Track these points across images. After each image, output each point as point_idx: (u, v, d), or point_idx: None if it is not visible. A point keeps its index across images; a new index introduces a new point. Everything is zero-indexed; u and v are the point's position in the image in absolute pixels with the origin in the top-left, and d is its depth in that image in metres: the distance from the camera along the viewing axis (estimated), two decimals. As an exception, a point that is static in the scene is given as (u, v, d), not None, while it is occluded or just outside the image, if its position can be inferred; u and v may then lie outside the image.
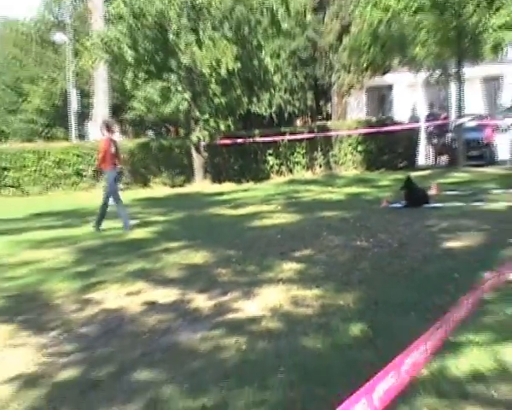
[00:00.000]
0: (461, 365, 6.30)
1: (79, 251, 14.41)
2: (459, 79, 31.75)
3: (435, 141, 33.04)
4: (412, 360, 2.31)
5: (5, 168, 31.82)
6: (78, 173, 31.94)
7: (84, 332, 8.58)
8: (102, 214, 17.85)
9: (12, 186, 31.73)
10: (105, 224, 18.40)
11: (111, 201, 18.02)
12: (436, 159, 32.97)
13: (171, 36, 28.31)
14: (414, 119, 34.86)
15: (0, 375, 7.15)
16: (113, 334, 8.38)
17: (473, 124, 33.39)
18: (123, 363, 7.25)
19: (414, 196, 17.78)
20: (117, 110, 44.07)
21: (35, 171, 31.81)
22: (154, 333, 8.31)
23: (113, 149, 18.39)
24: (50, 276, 12.02)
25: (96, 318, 9.23)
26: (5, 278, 12.23)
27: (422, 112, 35.94)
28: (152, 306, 9.57)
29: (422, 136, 33.54)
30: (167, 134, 36.41)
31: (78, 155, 32.31)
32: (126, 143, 35.21)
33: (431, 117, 33.61)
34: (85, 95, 50.80)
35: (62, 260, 13.45)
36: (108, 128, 18.93)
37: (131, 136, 42.24)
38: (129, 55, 29.15)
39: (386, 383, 2.28)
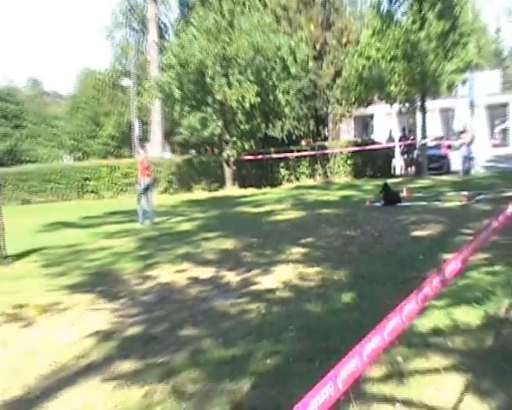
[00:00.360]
0: (425, 323, 6.30)
1: (141, 240, 14.48)
2: (423, 110, 31.70)
3: (405, 156, 32.96)
4: (393, 325, 2.32)
5: (87, 179, 31.96)
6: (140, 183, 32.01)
7: (145, 300, 8.62)
8: (144, 211, 18.18)
9: (91, 192, 31.86)
10: (158, 220, 18.46)
11: (143, 199, 18.45)
12: (406, 169, 32.87)
13: (208, 79, 28.33)
14: (391, 139, 34.83)
15: (84, 331, 7.22)
16: (166, 301, 8.41)
17: (433, 143, 33.40)
18: (173, 322, 7.29)
19: (390, 197, 17.76)
20: (168, 135, 44.17)
21: (108, 180, 31.93)
22: (196, 300, 8.34)
23: (146, 164, 18.88)
24: (120, 258, 12.09)
25: (153, 289, 9.26)
26: (87, 259, 12.31)
27: (397, 134, 35.92)
28: (194, 280, 9.59)
29: (397, 152, 33.46)
30: (205, 152, 36.36)
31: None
32: (175, 159, 35.32)
33: (403, 138, 33.58)
34: (145, 123, 50.94)
35: (128, 247, 13.53)
36: (143, 149, 19.98)
37: (179, 154, 42.19)
38: (177, 93, 29.24)
39: (374, 343, 2.28)
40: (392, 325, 2.39)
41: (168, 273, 10.27)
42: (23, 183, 31.03)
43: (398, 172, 32.94)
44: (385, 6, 32.21)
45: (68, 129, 78.37)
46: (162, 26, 48.25)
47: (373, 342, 2.26)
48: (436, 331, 6.07)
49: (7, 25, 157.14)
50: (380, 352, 2.21)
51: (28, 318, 7.99)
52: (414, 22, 29.94)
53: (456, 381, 4.99)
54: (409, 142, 32.44)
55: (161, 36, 43.38)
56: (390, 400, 4.71)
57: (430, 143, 32.76)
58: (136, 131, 49.72)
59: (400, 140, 33.69)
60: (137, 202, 18.58)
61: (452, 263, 3.20)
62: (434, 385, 4.95)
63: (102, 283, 9.92)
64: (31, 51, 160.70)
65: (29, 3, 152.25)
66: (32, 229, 18.13)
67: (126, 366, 5.96)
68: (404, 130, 34.86)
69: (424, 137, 31.05)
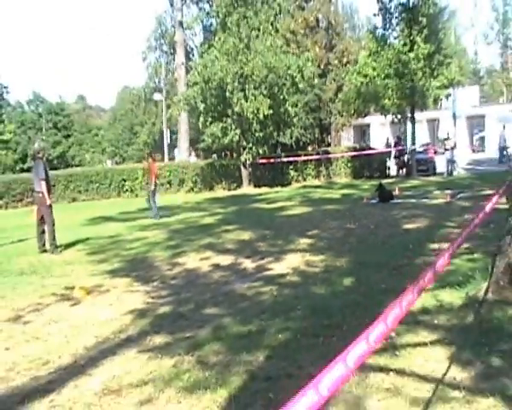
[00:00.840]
0: (416, 304, 6.26)
1: (170, 232, 14.46)
2: (412, 121, 31.60)
3: (398, 160, 32.77)
4: (395, 315, 2.31)
5: (124, 180, 31.95)
6: (169, 183, 31.97)
7: (174, 283, 8.65)
8: (155, 207, 18.36)
9: (128, 191, 31.89)
10: (184, 215, 18.44)
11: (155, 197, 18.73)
12: (398, 171, 32.68)
13: (227, 94, 28.26)
14: (388, 146, 34.68)
15: (122, 309, 7.25)
16: (192, 284, 8.43)
17: (421, 149, 33.26)
18: (198, 302, 7.30)
19: (384, 195, 17.67)
20: (193, 142, 44.14)
21: (142, 181, 31.92)
22: (218, 284, 8.35)
23: (157, 170, 19.82)
24: (152, 247, 12.11)
25: (181, 274, 9.28)
26: (125, 248, 12.34)
27: (392, 142, 35.74)
28: (216, 266, 9.60)
29: (392, 156, 33.31)
30: (225, 157, 36.34)
31: (169, 171, 32.36)
32: (199, 162, 35.24)
33: (397, 144, 33.40)
34: (173, 132, 51.04)
35: (159, 238, 13.53)
36: (152, 157, 19.85)
37: (202, 158, 42.18)
38: (201, 106, 29.19)
39: (379, 329, 2.27)
40: (394, 314, 2.38)
41: (193, 260, 10.29)
42: (71, 183, 31.09)
43: (393, 173, 32.75)
44: (380, 31, 32.24)
45: (109, 137, 78.91)
46: (188, 48, 48.20)
47: (378, 329, 2.25)
48: (424, 310, 6.05)
49: (58, 51, 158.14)
50: (383, 338, 2.21)
51: (75, 298, 8.03)
52: (405, 45, 29.92)
53: (441, 353, 4.99)
54: (400, 148, 32.28)
55: (188, 57, 43.36)
56: (385, 369, 4.71)
57: (418, 149, 32.68)
58: (166, 138, 49.82)
59: (395, 146, 33.53)
60: (152, 200, 18.66)
61: (442, 259, 3.20)
62: (423, 357, 4.95)
63: (138, 268, 9.95)
64: (78, 71, 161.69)
65: (75, 31, 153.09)
66: (79, 223, 18.20)
67: (158, 339, 5.98)
68: (398, 138, 34.64)
69: (413, 143, 30.96)
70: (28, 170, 62.51)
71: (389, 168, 32.74)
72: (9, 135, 48.96)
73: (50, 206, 12.91)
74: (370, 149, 33.65)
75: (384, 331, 2.25)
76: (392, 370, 4.68)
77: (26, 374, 5.35)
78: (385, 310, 2.38)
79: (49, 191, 12.93)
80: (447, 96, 33.67)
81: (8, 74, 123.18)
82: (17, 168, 64.73)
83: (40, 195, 12.88)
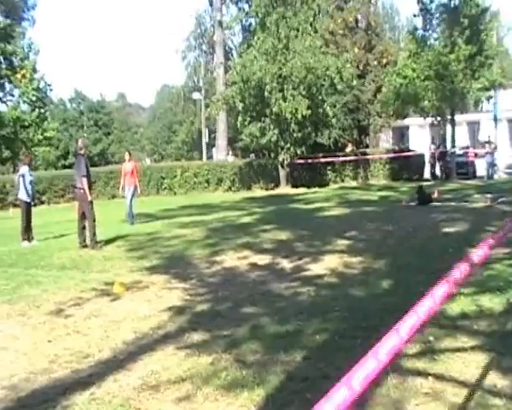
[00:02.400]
0: (454, 308, 6.20)
1: (208, 230, 14.50)
2: (452, 123, 31.27)
3: (441, 162, 32.27)
4: (426, 307, 2.27)
5: (163, 177, 32.25)
6: (207, 181, 32.16)
7: (212, 281, 8.68)
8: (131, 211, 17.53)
9: (167, 189, 32.16)
10: (222, 214, 18.46)
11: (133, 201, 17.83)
12: (440, 174, 32.24)
13: (266, 93, 28.30)
14: (436, 148, 33.79)
15: (160, 306, 7.30)
16: (229, 283, 8.45)
17: (461, 152, 32.73)
18: (236, 301, 7.31)
19: (423, 197, 17.46)
20: (231, 141, 44.27)
21: (181, 179, 32.16)
22: (255, 283, 8.35)
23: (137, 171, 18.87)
24: (190, 245, 12.17)
25: (219, 272, 9.31)
26: (164, 245, 12.44)
27: (431, 145, 35.12)
28: (254, 266, 9.61)
29: (431, 158, 32.82)
30: (263, 156, 36.35)
31: (207, 170, 32.55)
32: (237, 162, 35.39)
33: (440, 147, 32.89)
34: (212, 131, 51.20)
35: (198, 236, 13.58)
36: (130, 155, 18.90)
37: (240, 157, 42.26)
38: (239, 106, 29.32)
39: (411, 322, 2.24)
40: (426, 306, 2.34)
41: (231, 259, 10.31)
42: (111, 180, 31.48)
43: (438, 175, 32.32)
44: (420, 32, 31.97)
45: (148, 135, 79.60)
46: (227, 48, 48.46)
47: (409, 321, 2.22)
48: (463, 315, 5.97)
49: (100, 49, 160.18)
50: (416, 330, 2.18)
51: (115, 293, 8.12)
52: (445, 46, 29.66)
53: (481, 359, 4.90)
54: (443, 150, 31.82)
55: (227, 57, 43.54)
56: (423, 373, 4.65)
57: (459, 152, 32.18)
58: (205, 137, 50.05)
59: (438, 148, 33.05)
60: (130, 204, 17.56)
61: (480, 250, 3.11)
62: (462, 362, 4.87)
63: (176, 266, 10.01)
64: (119, 70, 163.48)
65: (116, 31, 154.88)
66: (119, 219, 18.41)
67: (196, 336, 6.00)
68: (443, 140, 34.11)
69: (453, 146, 30.57)
70: (70, 166, 63.44)
71: (434, 172, 32.23)
72: (52, 132, 49.59)
73: (91, 202, 13.09)
74: (409, 151, 33.31)
75: (416, 324, 2.22)
76: (430, 374, 4.62)
77: (68, 367, 5.43)
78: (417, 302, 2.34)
79: (89, 188, 13.12)
80: (488, 99, 33.22)
81: (52, 73, 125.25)
82: (59, 165, 65.81)
83: (81, 191, 13.07)
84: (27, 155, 16.15)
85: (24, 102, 48.58)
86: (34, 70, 48.71)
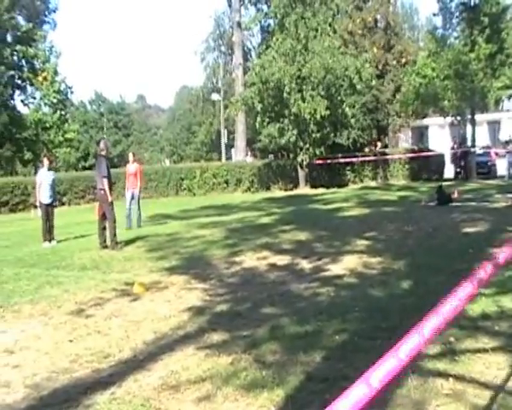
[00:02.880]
0: (475, 309, 6.15)
1: (227, 230, 14.50)
2: (472, 122, 31.00)
3: (462, 162, 31.98)
4: (449, 307, 2.25)
5: (182, 178, 32.34)
6: (226, 182, 32.20)
7: (231, 281, 8.69)
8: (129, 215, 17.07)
9: (186, 189, 32.25)
10: (241, 214, 18.48)
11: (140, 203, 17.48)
12: (459, 173, 31.95)
13: (285, 94, 28.27)
14: (460, 147, 33.44)
15: (180, 306, 7.33)
16: (249, 283, 8.45)
17: (481, 151, 32.43)
18: (255, 302, 7.31)
19: (443, 197, 17.33)
20: (250, 142, 44.32)
21: (200, 180, 32.22)
22: (275, 283, 8.35)
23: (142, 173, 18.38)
24: (210, 246, 12.19)
25: (238, 273, 9.32)
26: (183, 246, 12.47)
27: (450, 144, 34.84)
28: (273, 266, 9.60)
29: (451, 158, 32.55)
30: (282, 157, 36.33)
31: (226, 170, 32.61)
32: (256, 162, 35.38)
33: (461, 146, 32.56)
34: (230, 132, 51.31)
35: (217, 236, 13.60)
36: (134, 157, 18.24)
37: (259, 158, 42.29)
38: (258, 107, 29.30)
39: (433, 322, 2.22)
40: (450, 305, 2.31)
41: (250, 260, 10.32)
42: (130, 181, 31.72)
43: (449, 176, 32.07)
44: (440, 31, 31.77)
45: (167, 136, 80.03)
46: (246, 49, 48.52)
47: (432, 321, 2.20)
48: (484, 316, 5.92)
49: (119, 51, 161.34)
50: (439, 331, 2.16)
51: (135, 293, 8.16)
52: (465, 45, 29.43)
53: (503, 360, 4.85)
54: (465, 149, 31.53)
55: (245, 58, 43.61)
56: (444, 374, 4.61)
57: (479, 151, 31.89)
58: (224, 138, 50.13)
59: (459, 147, 32.74)
60: (138, 206, 17.22)
61: (505, 250, 3.08)
62: (483, 363, 4.83)
63: (195, 266, 10.03)
64: (138, 71, 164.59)
65: (136, 33, 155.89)
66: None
67: (216, 337, 6.01)
68: (464, 139, 33.82)
69: (473, 146, 30.30)
70: (90, 168, 64.07)
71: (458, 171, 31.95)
72: (73, 134, 50.03)
73: (111, 203, 13.18)
74: (428, 151, 33.10)
75: (439, 323, 2.20)
76: (451, 375, 4.58)
77: (88, 366, 5.47)
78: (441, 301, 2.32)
79: (110, 189, 13.19)
80: (509, 97, 32.85)
81: (72, 75, 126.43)
82: (79, 166, 66.35)
83: (102, 192, 13.16)
84: (48, 157, 16.27)
85: (45, 104, 49.09)
86: (55, 73, 49.19)
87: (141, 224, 16.90)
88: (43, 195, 14.73)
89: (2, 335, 6.72)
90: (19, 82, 48.37)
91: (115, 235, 12.94)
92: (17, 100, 48.34)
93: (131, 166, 17.75)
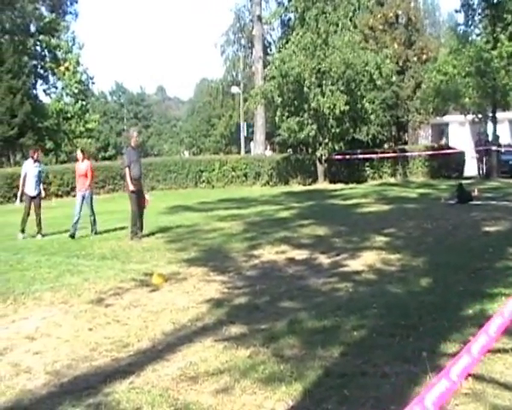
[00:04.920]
0: (494, 309, 6.09)
1: (246, 224, 14.50)
2: (494, 120, 30.69)
3: (485, 160, 31.62)
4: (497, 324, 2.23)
5: (201, 171, 32.30)
6: (245, 175, 32.15)
7: (249, 275, 8.70)
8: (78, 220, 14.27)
9: (205, 182, 32.25)
10: (260, 208, 18.45)
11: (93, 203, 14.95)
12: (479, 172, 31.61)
13: (305, 89, 28.16)
14: (480, 144, 33.02)
15: (198, 298, 7.36)
16: (267, 277, 8.45)
17: (503, 150, 32.02)
18: (273, 295, 7.30)
19: (463, 196, 17.15)
20: (269, 135, 44.20)
21: (219, 172, 32.20)
22: (293, 278, 8.34)
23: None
24: (229, 238, 12.20)
25: (257, 266, 9.32)
26: (202, 238, 12.49)
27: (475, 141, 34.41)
28: (291, 260, 9.59)
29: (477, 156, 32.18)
30: (301, 151, 36.21)
31: (245, 164, 32.58)
32: (275, 156, 35.30)
33: (486, 144, 32.16)
34: (250, 125, 51.27)
35: (236, 229, 13.60)
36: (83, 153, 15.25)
37: (278, 152, 42.17)
38: (278, 100, 29.23)
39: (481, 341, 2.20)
40: (496, 323, 2.29)
41: (269, 253, 10.31)
42: (150, 172, 31.69)
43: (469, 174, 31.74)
44: (461, 28, 31.47)
45: (187, 128, 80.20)
46: (266, 43, 48.32)
47: (480, 340, 2.18)
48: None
49: (140, 42, 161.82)
50: (487, 349, 2.13)
51: (154, 284, 8.19)
52: (487, 42, 29.10)
53: (523, 361, 4.80)
54: (488, 147, 31.17)
55: (265, 51, 43.43)
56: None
57: (501, 150, 31.52)
58: (243, 131, 50.10)
59: (485, 145, 32.37)
60: (91, 207, 14.63)
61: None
62: (503, 363, 4.79)
63: (214, 258, 10.04)
64: (158, 63, 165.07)
65: (156, 25, 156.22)
66: (158, 211, 18.54)
67: (234, 329, 6.02)
68: (487, 136, 33.43)
69: (494, 144, 29.99)
70: (110, 158, 64.44)
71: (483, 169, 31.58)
72: (94, 124, 50.39)
73: (132, 192, 13.20)
74: (449, 148, 32.82)
75: (487, 342, 2.17)
76: (470, 375, 4.53)
77: (108, 355, 5.51)
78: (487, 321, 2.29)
79: (131, 179, 13.21)
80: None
81: (93, 65, 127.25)
82: (99, 156, 66.74)
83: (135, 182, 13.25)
84: (35, 150, 16.02)
85: (67, 94, 49.53)
86: (77, 63, 49.57)
87: (96, 230, 14.47)
88: (29, 187, 14.67)
89: (23, 321, 6.80)
90: (41, 72, 48.89)
91: (134, 225, 12.99)
92: (39, 89, 48.93)
93: (82, 165, 14.89)
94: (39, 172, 15.07)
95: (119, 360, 5.35)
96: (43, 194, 15.16)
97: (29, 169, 14.82)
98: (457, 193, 17.36)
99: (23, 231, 14.39)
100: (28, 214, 14.59)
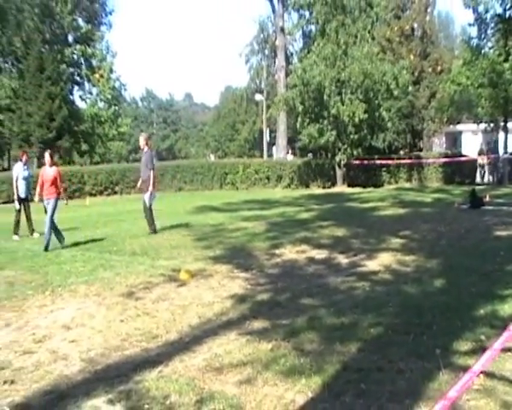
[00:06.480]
0: (505, 309, 6.05)
1: (268, 224, 14.48)
2: (505, 130, 30.41)
3: (494, 167, 31.29)
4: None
5: (226, 173, 32.36)
6: (267, 178, 32.12)
7: (271, 272, 8.68)
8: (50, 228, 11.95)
9: (229, 183, 32.29)
10: (282, 209, 18.41)
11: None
12: (491, 178, 31.28)
13: (325, 97, 28.11)
14: (482, 153, 32.69)
15: (223, 293, 7.37)
16: (288, 275, 8.43)
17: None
18: (294, 292, 7.29)
19: (475, 201, 16.96)
20: (291, 141, 44.17)
21: (243, 175, 32.23)
22: (313, 276, 8.31)
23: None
24: (252, 238, 12.19)
25: (278, 264, 9.30)
26: (227, 237, 12.50)
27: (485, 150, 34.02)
28: (311, 260, 9.56)
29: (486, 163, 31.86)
30: (320, 156, 36.11)
31: (267, 167, 32.56)
32: (296, 161, 35.20)
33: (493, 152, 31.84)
34: (272, 131, 51.26)
35: (259, 229, 13.59)
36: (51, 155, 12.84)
37: (299, 156, 42.08)
38: (299, 107, 29.22)
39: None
40: None
41: (290, 252, 10.28)
42: (178, 174, 31.90)
43: (481, 180, 31.39)
44: (475, 41, 31.24)
45: (212, 133, 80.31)
46: (288, 53, 48.20)
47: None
48: (515, 316, 5.79)
49: (169, 51, 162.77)
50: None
51: (181, 279, 8.23)
52: (500, 55, 28.87)
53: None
54: (496, 155, 30.84)
55: (287, 61, 43.34)
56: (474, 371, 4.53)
57: None
58: (266, 136, 50.11)
59: (487, 153, 32.03)
60: (50, 219, 12.06)
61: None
62: (514, 361, 4.74)
63: (238, 256, 10.05)
64: (186, 71, 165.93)
65: (185, 35, 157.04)
66: (185, 210, 18.64)
67: (256, 324, 6.02)
68: (495, 143, 33.07)
69: (506, 152, 29.70)
70: (140, 160, 64.89)
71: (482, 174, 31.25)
72: (125, 128, 50.87)
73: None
74: (462, 156, 32.52)
75: None
76: (481, 372, 4.49)
77: (138, 345, 5.55)
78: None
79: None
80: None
81: (125, 73, 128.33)
82: (130, 158, 67.27)
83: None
84: (24, 152, 15.55)
85: (101, 100, 50.04)
86: (111, 71, 50.05)
87: (48, 245, 11.84)
88: (20, 189, 14.39)
89: (60, 312, 6.88)
90: (78, 79, 49.57)
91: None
92: (76, 95, 49.56)
93: (49, 171, 12.49)
94: (29, 174, 14.67)
95: (148, 351, 5.39)
96: (32, 197, 13.79)
97: (19, 172, 14.42)
98: (470, 198, 17.19)
99: (16, 233, 13.98)
100: (19, 215, 14.24)
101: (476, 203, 16.79)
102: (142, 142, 14.23)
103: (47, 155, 12.76)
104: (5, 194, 26.10)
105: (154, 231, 13.28)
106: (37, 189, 12.48)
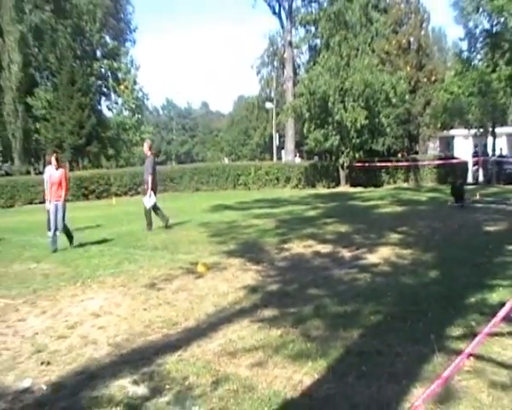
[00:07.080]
0: (493, 298, 6.04)
1: (278, 221, 14.41)
2: (493, 135, 30.29)
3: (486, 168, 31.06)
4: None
5: (239, 175, 32.27)
6: (277, 179, 32.01)
7: (280, 265, 8.68)
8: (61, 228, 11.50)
9: (242, 184, 32.23)
10: (290, 207, 18.41)
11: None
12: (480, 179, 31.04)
13: (329, 104, 27.96)
14: (475, 155, 32.46)
15: (237, 285, 7.38)
16: (296, 267, 8.43)
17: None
18: (301, 283, 7.29)
19: (457, 193, 16.70)
20: (298, 145, 44.04)
21: (254, 176, 32.17)
22: (318, 268, 8.30)
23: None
24: (263, 234, 12.15)
25: (287, 258, 9.29)
26: (240, 233, 12.49)
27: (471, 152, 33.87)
28: (317, 253, 9.54)
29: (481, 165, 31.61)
30: (325, 159, 35.99)
31: (277, 169, 32.47)
32: (303, 163, 35.08)
33: (483, 155, 31.58)
34: (281, 136, 51.17)
35: (269, 226, 13.53)
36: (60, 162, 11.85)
37: (306, 159, 41.95)
38: (306, 114, 29.18)
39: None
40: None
41: (297, 247, 10.27)
42: (195, 176, 31.89)
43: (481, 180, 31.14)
44: (465, 53, 31.35)
45: (227, 138, 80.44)
46: (296, 65, 48.06)
47: None
48: (502, 304, 5.74)
49: (188, 64, 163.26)
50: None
51: (198, 272, 8.25)
52: (488, 66, 29.01)
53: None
54: (486, 158, 30.61)
55: (295, 72, 43.25)
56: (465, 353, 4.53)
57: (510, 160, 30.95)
58: (275, 141, 50.09)
59: (482, 155, 31.76)
60: (62, 220, 11.47)
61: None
62: (500, 345, 4.76)
63: (250, 251, 10.05)
64: (203, 81, 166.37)
65: (202, 49, 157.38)
66: (202, 209, 18.66)
67: (267, 312, 6.03)
68: (485, 147, 32.84)
69: (494, 155, 29.59)
70: (160, 163, 64.99)
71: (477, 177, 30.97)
72: (148, 134, 51.09)
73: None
74: (454, 158, 32.30)
75: None
76: (471, 355, 4.49)
77: (160, 331, 5.59)
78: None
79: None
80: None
81: (148, 84, 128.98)
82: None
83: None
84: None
85: (125, 109, 50.31)
86: (135, 82, 50.30)
87: (73, 243, 11.68)
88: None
89: (90, 301, 6.94)
90: (105, 90, 49.94)
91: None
92: (103, 105, 49.89)
93: (56, 173, 11.59)
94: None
95: (169, 336, 5.43)
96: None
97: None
98: (452, 192, 17.04)
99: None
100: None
101: (458, 196, 16.56)
102: (145, 148, 14.19)
103: (53, 158, 11.72)
104: (41, 195, 26.27)
105: (150, 230, 13.42)
106: (47, 192, 11.68)
